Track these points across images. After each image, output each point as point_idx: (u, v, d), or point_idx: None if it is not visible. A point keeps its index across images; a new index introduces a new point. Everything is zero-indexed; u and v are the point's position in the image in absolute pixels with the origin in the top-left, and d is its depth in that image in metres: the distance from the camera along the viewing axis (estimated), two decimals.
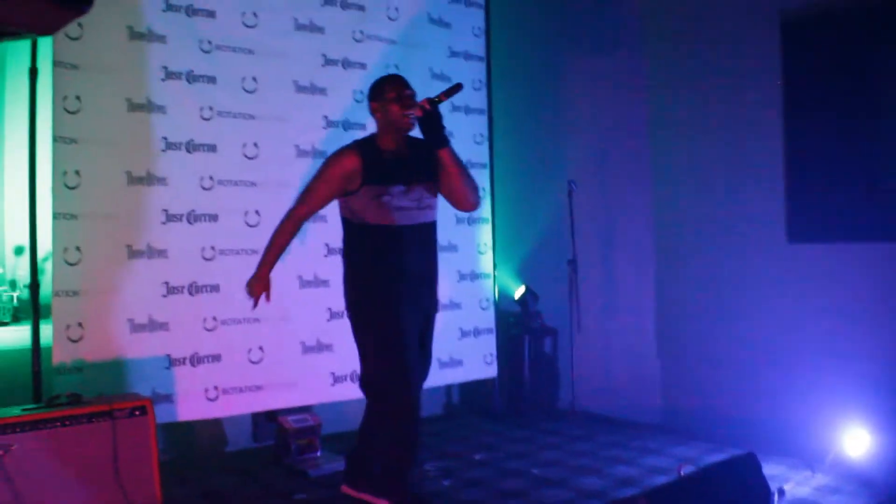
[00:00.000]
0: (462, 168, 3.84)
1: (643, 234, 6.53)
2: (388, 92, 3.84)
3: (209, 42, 4.97)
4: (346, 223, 3.99)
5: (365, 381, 3.98)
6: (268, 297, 4.03)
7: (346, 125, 5.48)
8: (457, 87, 3.76)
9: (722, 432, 5.44)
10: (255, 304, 4.02)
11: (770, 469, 4.66)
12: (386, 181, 3.80)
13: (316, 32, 5.40)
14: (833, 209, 5.51)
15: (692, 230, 6.26)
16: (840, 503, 4.25)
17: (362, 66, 5.58)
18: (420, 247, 3.93)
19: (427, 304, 4.05)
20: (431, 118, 3.69)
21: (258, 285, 3.99)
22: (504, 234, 6.38)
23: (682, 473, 4.01)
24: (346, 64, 5.51)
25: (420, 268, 3.94)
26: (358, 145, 3.90)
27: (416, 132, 3.83)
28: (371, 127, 4.46)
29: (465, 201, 3.94)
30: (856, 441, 4.77)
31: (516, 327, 6.31)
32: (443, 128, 3.73)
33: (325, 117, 5.41)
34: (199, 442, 5.23)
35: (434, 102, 3.69)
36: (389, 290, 3.85)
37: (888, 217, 5.21)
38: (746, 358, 5.85)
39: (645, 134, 6.57)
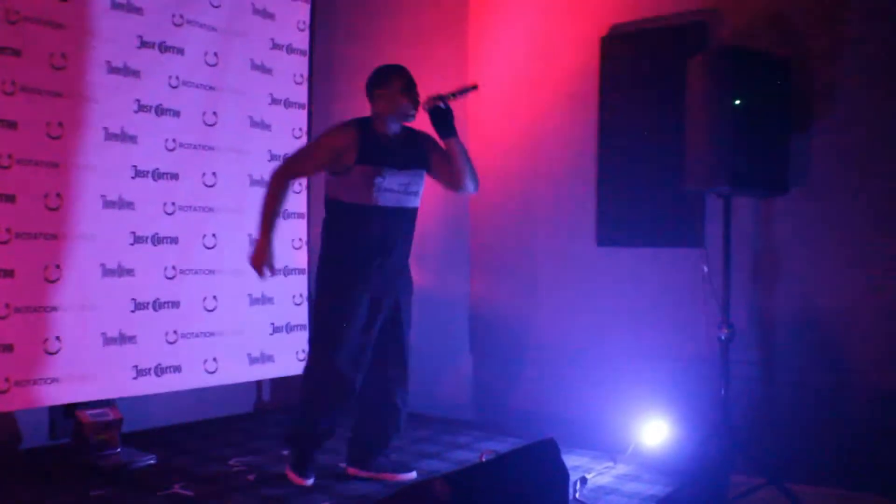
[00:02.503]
0: (467, 156, 4.25)
1: (461, 231, 6.61)
2: (395, 82, 4.18)
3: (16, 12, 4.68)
4: (329, 203, 4.29)
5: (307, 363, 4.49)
6: (272, 270, 4.22)
7: (159, 111, 5.29)
8: (471, 88, 4.13)
9: (530, 429, 5.57)
10: (262, 276, 4.23)
11: (574, 460, 4.85)
12: (379, 163, 4.13)
13: (133, 13, 5.19)
14: (640, 215, 5.75)
15: (508, 230, 6.41)
16: (638, 490, 4.44)
17: (180, 51, 5.40)
18: (397, 230, 4.29)
19: (399, 288, 4.44)
20: (444, 113, 4.09)
21: (260, 256, 4.16)
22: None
23: (483, 460, 4.10)
24: (164, 48, 5.32)
25: (395, 250, 4.32)
26: (358, 123, 4.20)
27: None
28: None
29: (468, 185, 4.32)
30: (655, 433, 5.03)
31: None
32: (453, 120, 4.13)
33: (138, 101, 5.19)
34: None
35: (445, 99, 4.08)
36: (356, 269, 4.20)
37: (688, 224, 5.49)
38: (557, 355, 6.03)
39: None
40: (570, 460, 4.61)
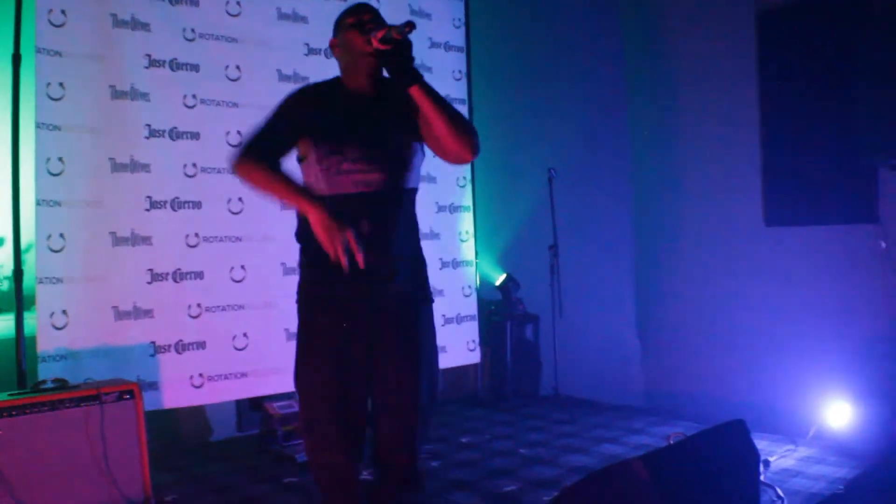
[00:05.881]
0: (444, 105, 2.86)
1: (623, 219, 6.61)
2: (346, 18, 2.96)
3: (192, 30, 4.98)
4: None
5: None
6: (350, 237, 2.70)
7: None
8: (409, 25, 2.68)
9: (703, 412, 5.52)
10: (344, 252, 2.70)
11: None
12: (339, 135, 2.90)
13: (299, 22, 5.42)
14: (809, 193, 5.60)
15: (670, 214, 6.36)
16: (824, 472, 4.34)
17: None
18: (383, 222, 2.93)
19: (406, 297, 3.02)
20: (393, 54, 2.75)
21: (325, 223, 2.71)
22: (485, 221, 6.42)
23: (672, 442, 4.08)
24: (329, 53, 5.50)
25: (392, 250, 2.95)
26: (312, 87, 3.06)
27: None
28: None
29: (456, 148, 2.90)
30: (837, 414, 4.89)
31: (498, 314, 6.36)
32: (409, 60, 2.77)
33: None
34: (183, 431, 5.22)
35: (389, 37, 2.73)
36: (330, 299, 2.95)
37: (860, 199, 5.32)
38: (726, 339, 5.94)
39: (625, 120, 6.67)
40: None
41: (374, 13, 2.97)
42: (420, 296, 3.09)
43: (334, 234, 2.69)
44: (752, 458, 3.44)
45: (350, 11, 2.99)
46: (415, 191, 3.08)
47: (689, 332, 6.21)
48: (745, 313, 5.86)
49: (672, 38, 6.40)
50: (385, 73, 2.92)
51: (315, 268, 3.00)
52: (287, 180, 2.86)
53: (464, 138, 2.90)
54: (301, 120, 2.93)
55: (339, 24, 3.01)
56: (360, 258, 2.69)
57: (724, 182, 6.04)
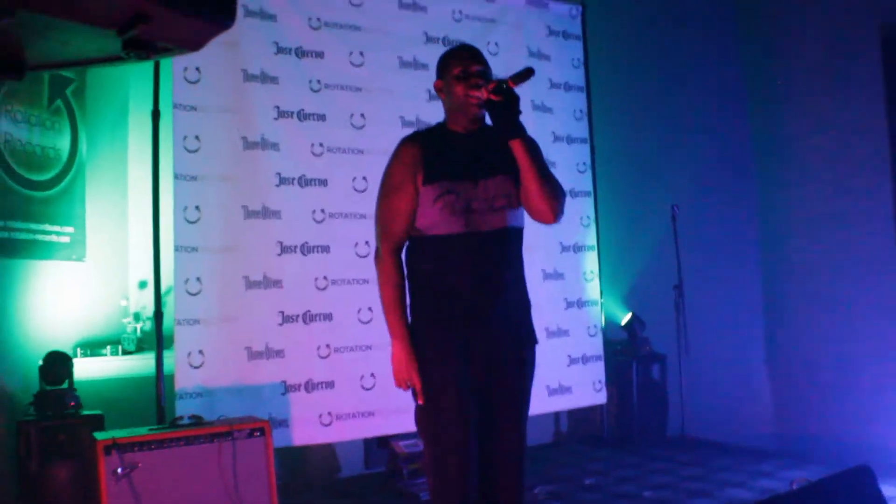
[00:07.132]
0: (539, 165, 2.91)
1: (749, 255, 6.48)
2: (453, 67, 2.97)
3: (318, 81, 5.19)
4: (406, 251, 3.12)
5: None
6: (416, 382, 2.91)
7: None
8: (528, 72, 2.82)
9: (838, 455, 5.30)
10: (405, 389, 2.97)
11: (890, 491, 4.53)
12: (452, 175, 2.93)
13: (420, 69, 5.57)
14: None
15: (799, 249, 6.21)
16: None
17: None
18: (496, 262, 2.97)
19: (520, 344, 3.04)
20: (500, 105, 2.82)
21: (402, 368, 2.94)
22: (609, 260, 6.40)
23: (795, 488, 3.96)
24: None
25: (502, 291, 2.97)
26: (418, 134, 3.08)
27: None
28: None
29: (542, 208, 2.94)
30: None
31: (623, 354, 6.31)
32: (517, 114, 2.85)
33: None
34: (312, 468, 5.37)
35: (501, 88, 2.80)
36: (448, 330, 2.94)
37: None
38: (861, 378, 5.73)
39: (748, 153, 6.57)
40: (885, 490, 4.32)
41: (482, 63, 3.00)
42: (532, 336, 3.09)
43: (402, 375, 2.93)
44: None
45: (456, 57, 3.01)
46: (522, 230, 3.08)
47: (821, 372, 6.00)
48: (882, 351, 5.64)
49: (795, 58, 6.29)
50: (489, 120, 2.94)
51: (432, 305, 3.01)
52: (399, 311, 2.99)
53: (551, 200, 2.93)
54: (415, 170, 2.95)
55: (445, 70, 3.02)
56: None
57: (853, 214, 5.86)
